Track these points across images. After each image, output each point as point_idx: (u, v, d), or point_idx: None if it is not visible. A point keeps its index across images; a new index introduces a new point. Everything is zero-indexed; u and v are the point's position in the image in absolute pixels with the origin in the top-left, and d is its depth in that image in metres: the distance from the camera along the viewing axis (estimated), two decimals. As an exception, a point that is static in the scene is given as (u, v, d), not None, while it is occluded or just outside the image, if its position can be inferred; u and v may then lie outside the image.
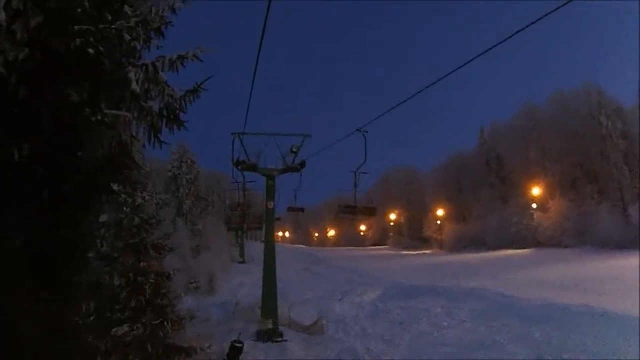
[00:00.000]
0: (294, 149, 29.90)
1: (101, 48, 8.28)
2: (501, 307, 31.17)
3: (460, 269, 57.03)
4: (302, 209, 41.42)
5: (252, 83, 16.04)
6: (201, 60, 10.09)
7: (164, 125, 10.15)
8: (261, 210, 55.06)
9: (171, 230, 47.85)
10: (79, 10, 8.28)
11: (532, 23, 10.37)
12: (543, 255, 63.60)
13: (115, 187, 10.40)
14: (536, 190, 79.28)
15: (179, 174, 58.72)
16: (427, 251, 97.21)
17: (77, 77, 8.52)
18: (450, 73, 13.01)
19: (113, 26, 8.43)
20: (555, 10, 9.89)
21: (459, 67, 12.70)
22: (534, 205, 78.83)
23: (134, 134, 10.01)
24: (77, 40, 8.12)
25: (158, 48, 10.12)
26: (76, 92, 8.41)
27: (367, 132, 26.83)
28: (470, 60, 12.15)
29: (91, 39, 8.18)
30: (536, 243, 75.86)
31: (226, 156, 30.83)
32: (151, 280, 18.10)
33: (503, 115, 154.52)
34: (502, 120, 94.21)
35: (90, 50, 8.20)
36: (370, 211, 36.63)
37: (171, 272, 19.48)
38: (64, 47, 8.06)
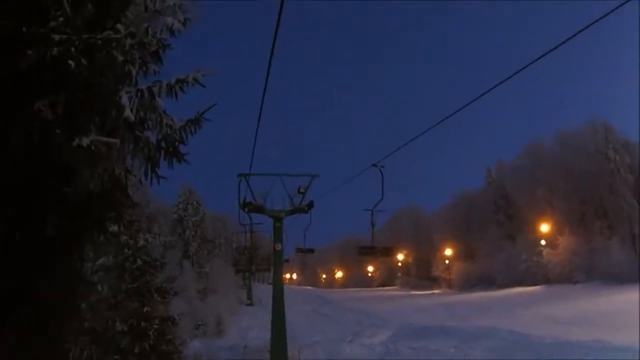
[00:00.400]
0: (301, 190, 29.33)
1: (84, 60, 7.47)
2: (515, 345, 30.62)
3: (470, 308, 56.44)
4: (312, 250, 40.79)
5: (257, 127, 15.81)
6: (203, 86, 9.18)
7: (162, 159, 9.19)
8: (269, 251, 54.60)
9: (178, 272, 47.44)
10: (58, 13, 7.57)
11: (536, 60, 10.20)
12: (553, 292, 63.15)
13: (112, 227, 9.63)
14: (545, 227, 78.84)
15: (185, 216, 58.37)
16: (436, 291, 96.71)
17: (52, 89, 7.67)
18: (450, 115, 13.18)
19: (99, 36, 7.61)
20: (557, 47, 9.73)
21: (461, 109, 12.82)
22: (543, 242, 78.30)
23: (128, 167, 9.18)
24: (55, 49, 7.35)
25: (155, 73, 9.23)
26: (50, 108, 7.47)
27: (383, 167, 25.53)
28: (469, 103, 12.33)
29: (72, 49, 7.39)
30: (546, 280, 75.33)
31: (232, 198, 30.16)
32: (155, 326, 17.58)
33: (506, 153, 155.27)
34: (507, 159, 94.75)
35: (71, 62, 7.42)
36: (388, 252, 35.88)
37: (176, 317, 18.91)
38: (38, 55, 7.34)
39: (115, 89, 8.44)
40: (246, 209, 29.77)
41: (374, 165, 24.48)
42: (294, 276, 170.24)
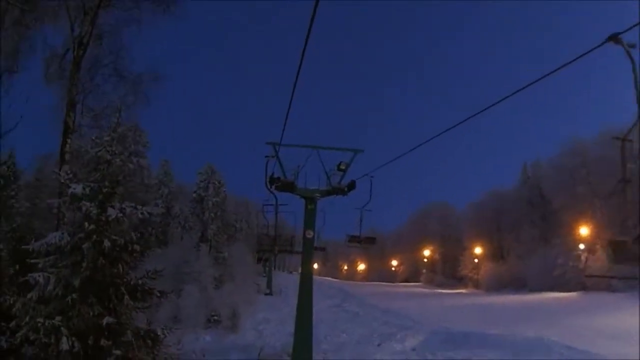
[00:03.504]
0: (341, 167, 24.93)
1: None
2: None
3: (507, 312, 53.00)
4: (373, 240, 34.75)
5: (295, 82, 11.91)
6: None
7: None
8: (292, 232, 51.27)
9: (193, 257, 44.40)
10: None
11: (574, 60, 9.98)
12: (595, 300, 58.90)
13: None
14: (584, 230, 74.25)
15: (206, 195, 54.47)
16: (463, 290, 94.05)
17: None
18: (483, 110, 12.67)
19: None
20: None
21: (490, 106, 12.32)
22: (582, 246, 73.88)
23: None
24: None
25: None
26: None
27: None
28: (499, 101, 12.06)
29: None
30: (581, 286, 70.98)
31: (257, 182, 25.76)
32: (125, 344, 12.67)
33: (543, 152, 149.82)
34: (545, 157, 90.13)
35: None
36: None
37: (160, 332, 13.88)
38: None
39: None
40: (273, 186, 25.52)
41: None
42: (315, 266, 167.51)
